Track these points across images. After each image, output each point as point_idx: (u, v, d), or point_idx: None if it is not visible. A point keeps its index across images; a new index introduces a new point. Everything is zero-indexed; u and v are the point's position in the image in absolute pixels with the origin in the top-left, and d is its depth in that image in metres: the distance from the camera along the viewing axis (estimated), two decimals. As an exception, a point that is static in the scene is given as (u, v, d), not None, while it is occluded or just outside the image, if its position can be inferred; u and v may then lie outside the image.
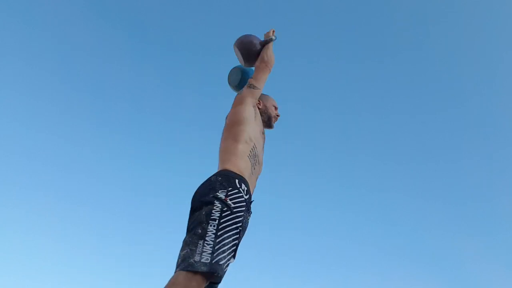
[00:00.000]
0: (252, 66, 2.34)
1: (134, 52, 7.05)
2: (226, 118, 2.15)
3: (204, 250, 1.55)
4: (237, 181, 1.78)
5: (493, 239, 6.34)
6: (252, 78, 2.21)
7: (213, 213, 1.64)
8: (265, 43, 2.29)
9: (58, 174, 6.37)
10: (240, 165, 1.87)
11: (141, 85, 6.93)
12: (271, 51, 2.27)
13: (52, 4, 6.62)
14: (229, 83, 2.42)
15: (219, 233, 1.60)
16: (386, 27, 7.17)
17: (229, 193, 1.71)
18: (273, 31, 2.34)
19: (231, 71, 2.42)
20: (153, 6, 7.07)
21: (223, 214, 1.64)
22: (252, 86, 2.16)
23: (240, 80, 2.34)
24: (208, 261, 1.53)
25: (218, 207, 1.65)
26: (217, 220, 1.62)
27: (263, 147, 2.15)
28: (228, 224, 1.64)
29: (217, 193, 1.69)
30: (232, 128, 2.01)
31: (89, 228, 6.05)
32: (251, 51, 2.29)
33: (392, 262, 6.22)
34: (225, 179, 1.76)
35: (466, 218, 6.55)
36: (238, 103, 2.12)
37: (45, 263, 5.67)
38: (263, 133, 2.20)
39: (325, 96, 7.19)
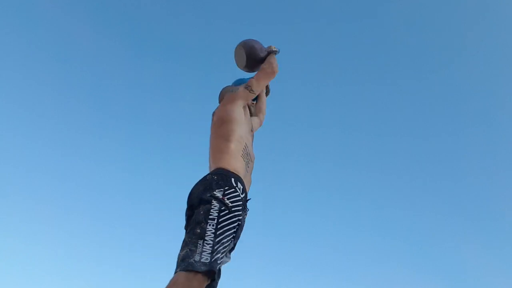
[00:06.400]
0: (250, 72, 2.32)
1: (133, 54, 7.06)
2: (213, 114, 2.13)
3: (204, 250, 1.55)
4: (233, 180, 1.77)
5: (493, 240, 6.35)
6: (253, 79, 2.19)
7: (211, 213, 1.63)
8: (270, 52, 2.28)
9: (58, 177, 6.38)
10: (235, 164, 1.86)
11: (139, 88, 6.94)
12: (276, 60, 2.26)
13: (50, 8, 6.64)
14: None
15: (218, 233, 1.60)
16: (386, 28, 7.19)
17: (226, 192, 1.70)
18: (274, 47, 2.33)
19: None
20: (152, 10, 7.08)
21: (221, 214, 1.64)
22: (250, 89, 2.15)
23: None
24: (208, 260, 1.53)
25: (216, 206, 1.65)
26: (215, 220, 1.62)
27: (252, 145, 2.15)
28: (227, 224, 1.64)
29: (214, 192, 1.69)
30: (221, 126, 2.00)
31: (88, 232, 6.06)
32: (257, 56, 2.25)
33: (391, 264, 6.23)
34: (221, 178, 1.76)
35: (466, 219, 6.55)
36: (229, 101, 2.10)
37: (42, 267, 5.68)
38: (252, 130, 2.20)
39: (325, 93, 7.21)
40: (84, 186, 6.37)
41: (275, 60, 2.25)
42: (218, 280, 1.68)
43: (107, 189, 6.44)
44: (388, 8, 7.12)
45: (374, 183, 6.83)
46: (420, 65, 7.09)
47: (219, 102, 2.40)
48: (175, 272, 1.55)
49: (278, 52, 2.31)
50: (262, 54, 2.26)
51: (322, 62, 7.16)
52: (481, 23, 6.97)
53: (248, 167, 1.96)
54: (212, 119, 2.11)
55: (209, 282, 1.58)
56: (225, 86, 2.45)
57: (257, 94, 2.19)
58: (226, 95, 2.17)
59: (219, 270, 1.63)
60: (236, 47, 2.31)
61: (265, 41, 2.33)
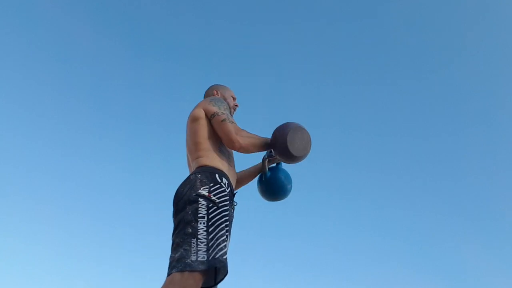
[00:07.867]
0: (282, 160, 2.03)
1: (133, 54, 7.07)
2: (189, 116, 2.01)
3: (199, 248, 1.54)
4: (217, 175, 1.76)
5: (493, 240, 6.34)
6: (242, 136, 1.88)
7: (200, 211, 1.62)
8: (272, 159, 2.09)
9: (58, 177, 6.38)
10: (216, 160, 1.84)
11: (139, 88, 6.95)
12: (253, 150, 1.95)
13: (50, 8, 6.64)
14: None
15: (210, 229, 1.59)
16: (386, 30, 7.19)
17: (211, 189, 1.69)
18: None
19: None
20: (152, 10, 7.09)
21: (210, 211, 1.63)
22: (215, 115, 1.90)
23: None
24: (205, 259, 1.52)
25: (204, 204, 1.64)
26: (205, 217, 1.61)
27: None
28: (217, 219, 1.63)
29: (200, 191, 1.67)
30: (195, 125, 1.91)
31: (88, 232, 6.06)
32: (298, 159, 1.97)
33: (391, 264, 6.22)
34: (205, 176, 1.73)
35: (466, 219, 6.54)
36: (206, 106, 1.96)
37: (43, 267, 5.68)
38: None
39: (325, 93, 7.21)
40: (84, 186, 6.39)
41: (253, 151, 1.94)
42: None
43: (107, 189, 6.45)
44: (388, 8, 7.13)
45: (374, 183, 6.83)
46: (420, 65, 7.10)
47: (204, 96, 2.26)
48: (169, 273, 1.53)
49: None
50: (293, 161, 1.97)
51: (322, 62, 7.17)
52: (481, 23, 6.97)
53: (230, 160, 1.93)
54: (188, 120, 2.01)
55: (220, 278, 1.61)
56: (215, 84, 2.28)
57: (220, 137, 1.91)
58: (210, 100, 2.01)
59: (225, 264, 1.58)
60: (305, 131, 1.94)
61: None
